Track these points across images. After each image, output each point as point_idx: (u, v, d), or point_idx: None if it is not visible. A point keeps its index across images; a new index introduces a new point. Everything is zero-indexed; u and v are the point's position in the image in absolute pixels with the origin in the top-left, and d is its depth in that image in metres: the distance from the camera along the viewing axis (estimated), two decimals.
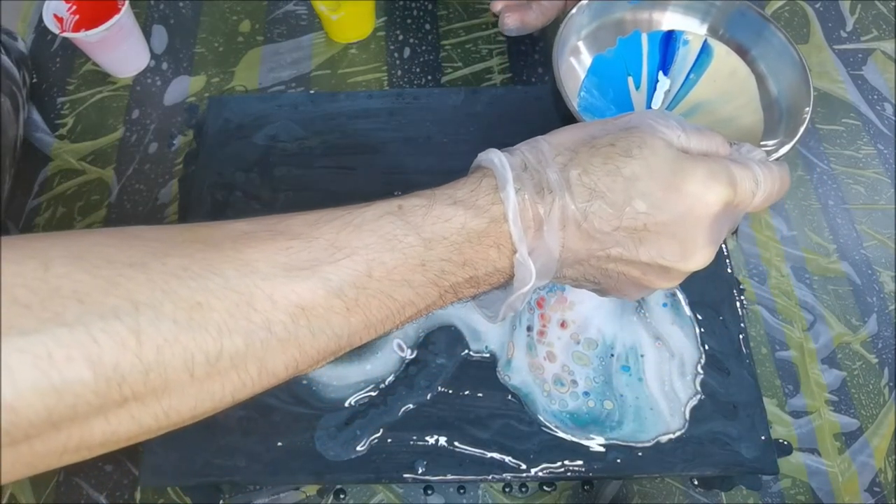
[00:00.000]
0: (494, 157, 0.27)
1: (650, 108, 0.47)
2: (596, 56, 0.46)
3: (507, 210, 0.26)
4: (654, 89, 0.47)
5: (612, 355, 0.42)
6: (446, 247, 0.26)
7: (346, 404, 0.41)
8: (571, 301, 0.44)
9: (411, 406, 0.41)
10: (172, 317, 0.21)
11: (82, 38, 0.51)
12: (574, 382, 0.41)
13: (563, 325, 0.43)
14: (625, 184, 0.26)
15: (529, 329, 0.43)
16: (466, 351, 0.42)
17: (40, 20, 0.60)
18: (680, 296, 0.44)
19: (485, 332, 0.42)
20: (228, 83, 0.58)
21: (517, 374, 0.41)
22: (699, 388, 0.41)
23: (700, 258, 0.28)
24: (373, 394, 0.41)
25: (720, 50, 0.46)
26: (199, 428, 0.39)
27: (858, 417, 0.44)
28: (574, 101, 0.43)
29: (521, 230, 0.26)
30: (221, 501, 0.42)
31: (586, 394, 0.41)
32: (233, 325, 0.22)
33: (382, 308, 0.25)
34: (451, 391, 0.41)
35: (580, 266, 0.29)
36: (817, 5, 0.61)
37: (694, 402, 0.40)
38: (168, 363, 0.21)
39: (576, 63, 0.46)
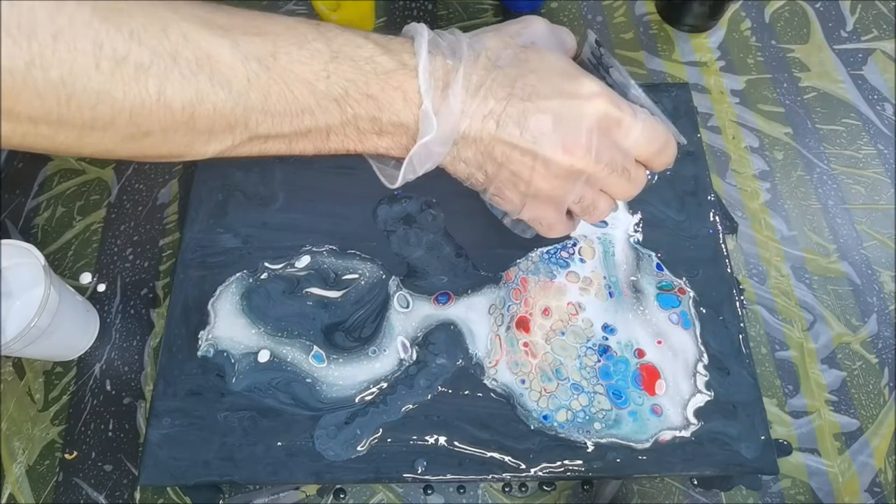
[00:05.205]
0: (417, 25, 0.30)
1: None
2: None
3: (419, 62, 0.28)
4: None
5: (606, 349, 0.42)
6: (352, 68, 0.28)
7: (347, 404, 0.41)
8: (557, 286, 0.44)
9: (411, 406, 0.41)
10: (93, 5, 0.23)
11: None
12: (560, 375, 0.41)
13: (546, 311, 0.43)
14: (522, 62, 0.30)
15: (511, 320, 0.43)
16: (461, 360, 0.42)
17: None
18: (683, 295, 0.44)
19: (479, 335, 0.42)
20: None
21: (501, 374, 0.41)
22: (700, 388, 0.41)
23: (577, 159, 0.30)
24: (373, 393, 0.41)
25: None
26: (199, 428, 0.40)
27: (858, 417, 0.44)
28: None
29: (429, 84, 0.28)
30: (221, 501, 0.42)
31: (576, 388, 0.41)
32: (144, 38, 0.24)
33: (281, 99, 0.27)
34: (451, 391, 0.41)
35: (475, 146, 0.31)
36: (817, 5, 0.61)
37: (694, 401, 0.40)
38: (77, 41, 0.22)
39: None
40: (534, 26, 0.32)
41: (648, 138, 0.31)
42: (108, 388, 0.46)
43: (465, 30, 0.65)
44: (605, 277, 0.44)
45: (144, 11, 0.24)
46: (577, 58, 0.34)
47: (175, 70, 0.25)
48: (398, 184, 0.32)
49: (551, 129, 0.29)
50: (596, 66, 0.33)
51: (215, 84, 0.26)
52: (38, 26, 0.22)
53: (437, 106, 0.29)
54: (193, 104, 0.26)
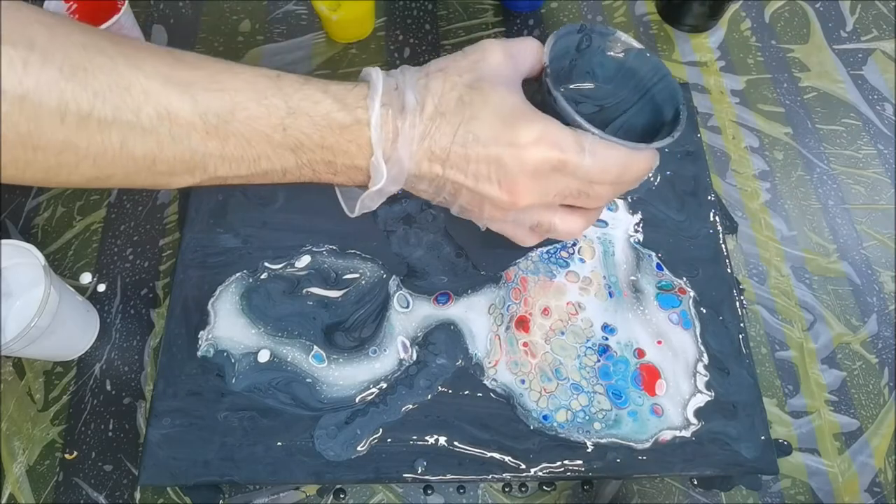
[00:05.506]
0: (373, 73, 0.31)
1: None
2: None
3: (371, 117, 0.29)
4: None
5: (606, 349, 0.42)
6: (308, 123, 0.29)
7: (347, 404, 0.41)
8: (557, 286, 0.44)
9: (411, 406, 0.41)
10: (59, 66, 0.25)
11: None
12: (560, 375, 0.41)
13: (545, 311, 0.43)
14: (465, 106, 0.30)
15: (511, 320, 0.43)
16: (460, 360, 0.42)
17: None
18: (683, 295, 0.44)
19: (479, 335, 0.42)
20: None
21: (501, 374, 0.41)
22: (700, 388, 0.41)
23: (520, 198, 0.31)
24: (373, 393, 0.41)
25: None
26: (199, 428, 0.40)
27: (858, 417, 0.44)
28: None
29: (380, 137, 0.30)
30: (221, 501, 0.42)
31: (576, 388, 0.41)
32: (108, 96, 0.26)
33: (238, 148, 0.29)
34: (451, 391, 0.41)
35: (427, 182, 0.32)
36: (817, 5, 0.61)
37: (695, 401, 0.40)
38: (43, 100, 0.24)
39: None
40: (488, 57, 0.31)
41: (600, 169, 0.31)
42: (108, 388, 0.46)
43: (466, 29, 0.65)
44: (604, 277, 0.44)
45: (108, 70, 0.26)
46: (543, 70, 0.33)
47: (137, 124, 0.27)
48: (355, 215, 0.34)
49: (492, 175, 0.30)
50: (547, 90, 0.32)
51: (175, 137, 0.28)
52: (7, 89, 0.23)
53: (387, 155, 0.30)
54: (154, 153, 0.28)
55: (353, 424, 0.40)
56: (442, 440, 0.40)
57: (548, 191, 0.31)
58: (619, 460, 0.39)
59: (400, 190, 0.33)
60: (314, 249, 0.46)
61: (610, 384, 0.41)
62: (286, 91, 0.29)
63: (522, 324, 0.43)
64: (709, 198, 0.47)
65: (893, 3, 0.61)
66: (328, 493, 0.43)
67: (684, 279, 0.44)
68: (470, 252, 0.45)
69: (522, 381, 0.41)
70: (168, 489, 0.43)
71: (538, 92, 0.33)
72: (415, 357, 0.42)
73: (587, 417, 0.40)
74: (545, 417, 0.40)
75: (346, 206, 0.35)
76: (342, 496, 0.42)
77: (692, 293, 0.44)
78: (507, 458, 0.39)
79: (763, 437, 0.39)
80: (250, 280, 0.45)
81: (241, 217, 0.47)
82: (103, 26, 0.51)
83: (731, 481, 0.42)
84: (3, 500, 0.42)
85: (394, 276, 0.45)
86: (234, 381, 0.41)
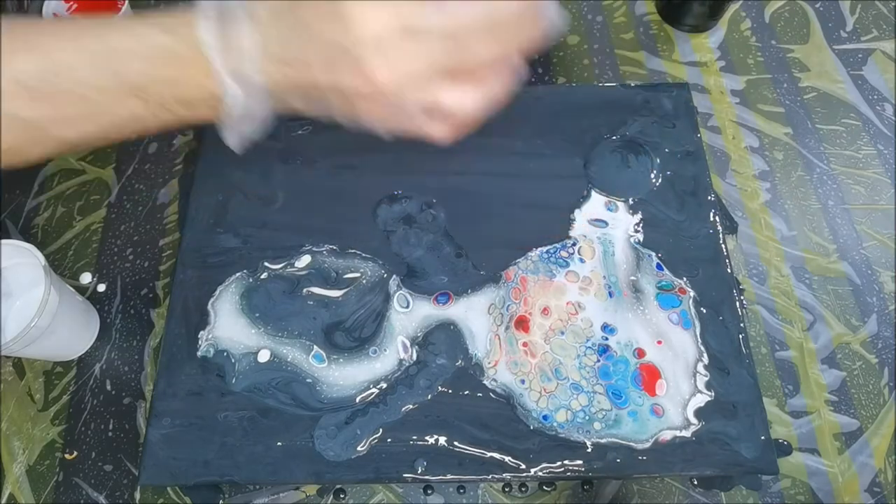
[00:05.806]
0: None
1: None
2: None
3: (206, 40, 0.27)
4: None
5: (606, 349, 0.42)
6: (140, 61, 0.28)
7: (347, 404, 0.41)
8: (557, 286, 0.44)
9: (411, 406, 0.41)
10: None
11: None
12: (560, 375, 0.41)
13: (545, 311, 0.43)
14: (292, 5, 0.28)
15: (510, 320, 0.43)
16: (460, 361, 0.42)
17: None
18: (683, 295, 0.44)
19: (479, 335, 0.42)
20: None
21: (501, 374, 0.41)
22: (700, 388, 0.41)
23: (379, 77, 0.27)
24: (373, 393, 0.41)
25: None
26: (199, 428, 0.40)
27: (858, 417, 0.44)
28: None
29: (223, 58, 0.27)
30: (221, 501, 0.42)
31: (576, 388, 0.41)
32: None
33: (73, 106, 0.28)
34: (451, 391, 0.41)
35: (295, 92, 0.30)
36: (817, 5, 0.61)
37: (695, 401, 0.40)
38: None
39: None
40: None
41: (460, 23, 0.27)
42: (108, 388, 0.46)
43: None
44: (604, 277, 0.44)
45: None
46: None
47: None
48: (237, 147, 0.32)
49: (339, 62, 0.28)
50: None
51: (8, 112, 0.27)
52: None
53: (235, 75, 0.28)
54: None
55: (353, 424, 0.40)
56: (442, 440, 0.40)
57: (409, 62, 0.27)
58: (619, 460, 0.39)
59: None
60: (314, 249, 0.46)
61: (610, 384, 0.41)
62: (111, 36, 0.28)
63: (522, 324, 0.43)
64: (709, 198, 0.47)
65: (893, 4, 0.61)
66: (328, 493, 0.43)
67: (684, 279, 0.44)
68: (470, 252, 0.45)
69: (522, 381, 0.41)
70: (168, 489, 0.43)
71: None
72: (415, 357, 0.42)
73: (587, 417, 0.40)
74: (545, 417, 0.40)
75: (230, 141, 0.33)
76: (342, 496, 0.42)
77: (692, 293, 0.44)
78: (507, 458, 0.39)
79: (763, 437, 0.39)
80: (250, 280, 0.45)
81: (241, 217, 0.47)
82: None
83: (731, 481, 0.42)
84: (3, 500, 0.42)
85: (394, 276, 0.45)
86: (234, 381, 0.41)
